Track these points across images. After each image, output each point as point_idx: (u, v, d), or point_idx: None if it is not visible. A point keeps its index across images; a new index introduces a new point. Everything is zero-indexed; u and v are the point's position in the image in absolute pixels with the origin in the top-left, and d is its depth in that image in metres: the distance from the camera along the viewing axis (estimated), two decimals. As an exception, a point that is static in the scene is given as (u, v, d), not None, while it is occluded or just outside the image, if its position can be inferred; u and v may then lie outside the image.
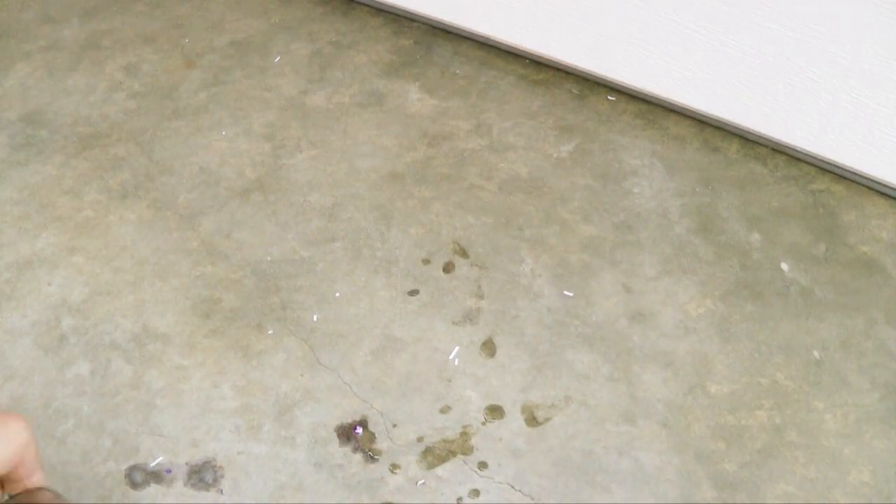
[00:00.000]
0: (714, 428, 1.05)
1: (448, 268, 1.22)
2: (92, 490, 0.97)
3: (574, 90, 1.51)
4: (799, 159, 1.39)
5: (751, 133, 1.40)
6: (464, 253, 1.24)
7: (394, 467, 1.00)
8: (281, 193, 1.31)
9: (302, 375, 1.09)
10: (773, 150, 1.40)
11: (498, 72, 1.53)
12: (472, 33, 1.57)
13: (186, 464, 1.00)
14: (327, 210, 1.29)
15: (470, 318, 1.16)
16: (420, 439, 1.03)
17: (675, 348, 1.13)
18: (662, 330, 1.15)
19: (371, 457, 1.01)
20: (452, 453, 1.02)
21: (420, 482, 0.99)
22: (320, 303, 1.17)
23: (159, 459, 1.00)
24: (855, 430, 1.05)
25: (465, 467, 1.01)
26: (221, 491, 0.97)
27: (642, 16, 1.34)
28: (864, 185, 1.35)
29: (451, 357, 1.11)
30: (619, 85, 1.48)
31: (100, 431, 1.02)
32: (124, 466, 0.99)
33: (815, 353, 1.13)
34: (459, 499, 0.98)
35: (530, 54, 1.54)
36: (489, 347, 1.13)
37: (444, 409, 1.06)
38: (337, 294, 1.18)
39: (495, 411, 1.06)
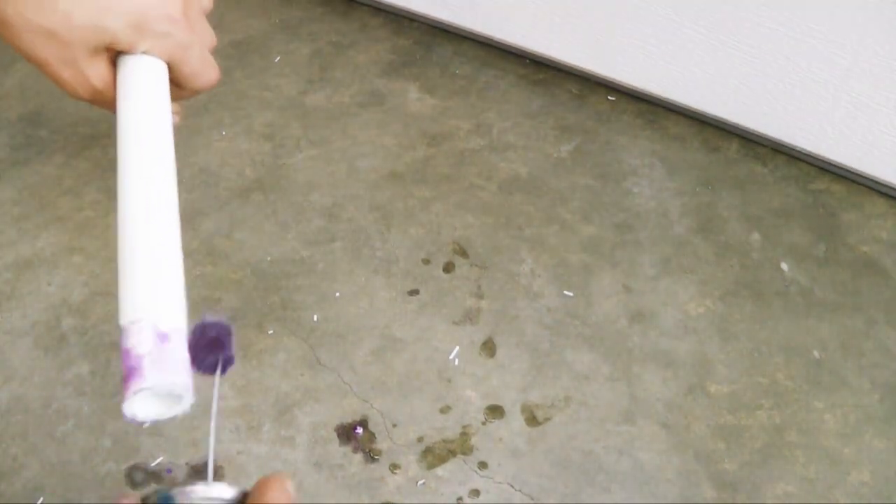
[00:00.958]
0: (714, 428, 1.05)
1: (448, 268, 1.22)
2: (92, 490, 0.97)
3: (574, 90, 1.51)
4: (799, 159, 1.39)
5: (751, 133, 1.40)
6: (464, 253, 1.24)
7: (394, 467, 1.00)
8: (281, 193, 1.31)
9: (302, 375, 1.09)
10: (773, 150, 1.40)
11: (498, 72, 1.53)
12: (472, 33, 1.57)
13: (186, 464, 1.00)
14: (327, 210, 1.29)
15: (470, 318, 1.16)
16: (420, 439, 1.03)
17: (675, 348, 1.13)
18: (662, 330, 1.15)
19: (371, 457, 1.01)
20: (452, 453, 1.02)
21: (420, 482, 0.99)
22: (320, 303, 1.17)
23: (159, 459, 1.00)
24: (855, 430, 1.05)
25: (465, 467, 1.01)
26: (221, 491, 0.97)
27: (642, 16, 1.34)
28: (864, 185, 1.35)
29: (451, 357, 1.11)
30: (619, 85, 1.48)
31: (100, 431, 1.02)
32: (124, 466, 0.99)
33: (815, 353, 1.13)
34: (459, 499, 0.98)
35: (530, 54, 1.54)
36: (489, 347, 1.13)
37: (444, 409, 1.06)
38: (337, 294, 1.18)
39: (495, 411, 1.06)
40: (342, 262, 1.22)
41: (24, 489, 0.97)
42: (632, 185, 1.34)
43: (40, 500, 0.96)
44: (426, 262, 1.22)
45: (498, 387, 1.08)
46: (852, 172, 1.34)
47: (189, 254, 1.22)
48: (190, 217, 1.27)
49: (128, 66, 0.46)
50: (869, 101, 1.23)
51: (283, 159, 1.36)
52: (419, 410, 1.05)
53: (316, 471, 1.00)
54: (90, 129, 1.40)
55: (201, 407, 1.10)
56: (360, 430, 1.03)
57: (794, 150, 1.38)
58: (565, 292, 1.19)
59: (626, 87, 1.48)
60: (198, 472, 0.99)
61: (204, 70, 0.48)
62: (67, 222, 1.25)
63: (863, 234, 1.28)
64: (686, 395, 1.08)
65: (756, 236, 1.27)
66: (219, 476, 0.98)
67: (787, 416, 1.06)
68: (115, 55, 0.46)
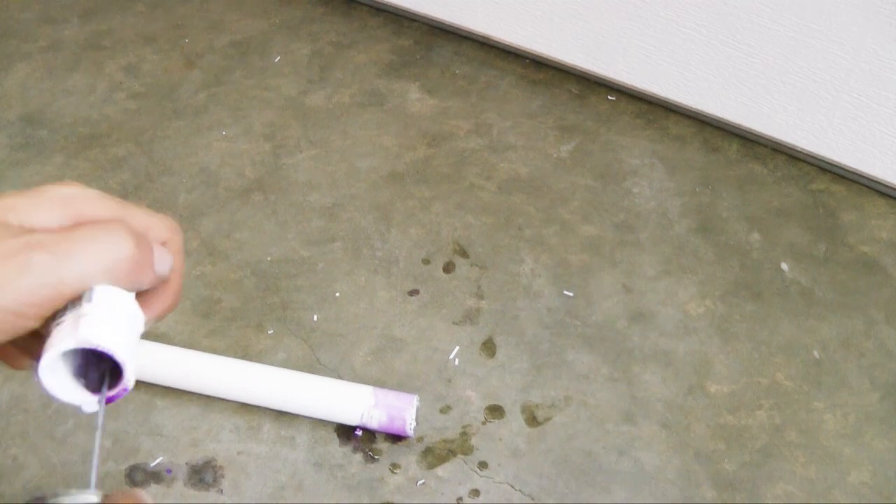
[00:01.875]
0: (714, 428, 1.05)
1: (448, 268, 1.22)
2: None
3: (574, 90, 1.51)
4: (799, 159, 1.39)
5: (751, 133, 1.40)
6: (464, 253, 1.24)
7: (394, 467, 1.00)
8: (281, 193, 1.31)
9: (302, 375, 1.09)
10: (773, 150, 1.40)
11: (498, 72, 1.53)
12: (472, 33, 1.57)
13: (186, 464, 1.00)
14: (327, 210, 1.29)
15: (470, 318, 1.16)
16: (420, 439, 1.03)
17: (675, 348, 1.13)
18: (662, 330, 1.15)
19: (371, 457, 1.01)
20: (452, 453, 1.02)
21: (420, 482, 0.99)
22: (320, 303, 1.17)
23: (159, 459, 1.00)
24: (855, 430, 1.05)
25: (465, 467, 1.01)
26: (221, 491, 0.97)
27: (642, 16, 1.34)
28: (864, 185, 1.35)
29: (451, 357, 1.11)
30: (619, 85, 1.48)
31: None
32: (124, 466, 0.99)
33: (815, 353, 1.13)
34: (459, 499, 0.98)
35: (530, 54, 1.54)
36: (489, 347, 1.13)
37: (444, 409, 1.06)
38: (337, 294, 1.18)
39: (495, 411, 1.06)
40: (342, 262, 1.22)
41: (24, 489, 0.97)
42: (632, 185, 1.34)
43: (40, 500, 0.96)
44: (426, 262, 1.23)
45: (498, 387, 1.08)
46: (852, 172, 1.34)
47: (189, 254, 1.22)
48: (190, 217, 1.27)
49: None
50: (869, 101, 1.23)
51: (283, 159, 1.36)
52: (419, 410, 1.05)
53: (316, 471, 1.00)
54: (90, 129, 1.40)
55: (201, 407, 1.10)
56: (359, 431, 1.03)
57: (794, 150, 1.38)
58: (565, 292, 1.19)
59: (626, 87, 1.48)
60: (197, 472, 0.99)
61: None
62: (67, 222, 1.25)
63: (863, 234, 1.28)
64: (686, 395, 1.08)
65: (756, 236, 1.27)
66: (219, 476, 0.98)
67: (787, 416, 1.06)
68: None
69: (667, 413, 1.06)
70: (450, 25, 1.58)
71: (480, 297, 1.18)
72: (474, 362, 1.11)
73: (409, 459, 1.01)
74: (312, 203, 1.30)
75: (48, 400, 1.05)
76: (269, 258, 1.22)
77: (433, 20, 1.60)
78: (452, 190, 1.32)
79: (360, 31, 1.61)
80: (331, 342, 1.12)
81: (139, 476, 0.98)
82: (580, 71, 1.50)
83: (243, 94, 1.47)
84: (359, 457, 1.01)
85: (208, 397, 1.05)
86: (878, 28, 1.16)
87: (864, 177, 1.34)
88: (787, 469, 1.01)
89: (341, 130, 1.42)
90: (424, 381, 1.09)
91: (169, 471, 0.99)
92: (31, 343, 0.42)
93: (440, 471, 1.00)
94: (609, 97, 1.49)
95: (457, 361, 1.11)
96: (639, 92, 1.47)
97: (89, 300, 0.40)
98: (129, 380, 0.42)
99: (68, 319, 0.40)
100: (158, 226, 0.43)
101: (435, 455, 1.02)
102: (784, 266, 1.23)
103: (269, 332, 1.13)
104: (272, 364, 1.09)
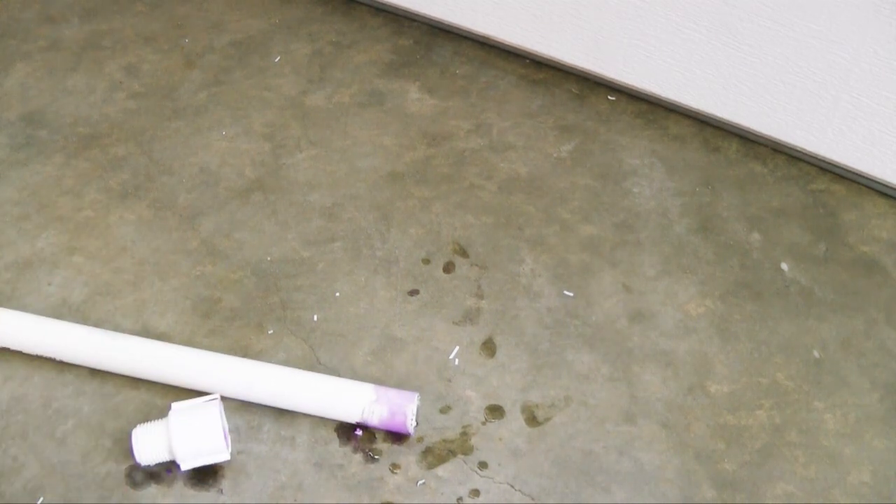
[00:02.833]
0: (714, 428, 1.05)
1: (448, 268, 1.22)
2: (92, 490, 0.97)
3: (574, 90, 1.51)
4: (799, 159, 1.39)
5: (751, 133, 1.40)
6: (464, 253, 1.24)
7: (394, 467, 1.00)
8: (281, 193, 1.31)
9: (302, 375, 1.09)
10: (773, 149, 1.40)
11: (498, 72, 1.53)
12: (472, 33, 1.57)
13: (186, 464, 1.00)
14: (327, 210, 1.29)
15: (470, 318, 1.16)
16: (420, 439, 1.03)
17: (675, 348, 1.13)
18: (662, 330, 1.15)
19: (371, 457, 1.01)
20: (452, 453, 1.02)
21: (420, 482, 0.99)
22: (320, 303, 1.17)
23: (159, 459, 1.00)
24: (855, 430, 1.05)
25: (465, 467, 1.01)
26: (221, 491, 0.97)
27: (642, 16, 1.34)
28: (864, 185, 1.35)
29: (451, 357, 1.11)
30: (619, 85, 1.48)
31: (100, 431, 1.02)
32: (124, 466, 0.99)
33: (815, 353, 1.13)
34: (459, 499, 0.98)
35: (530, 54, 1.54)
36: (489, 347, 1.13)
37: (444, 409, 1.06)
38: (337, 294, 1.18)
39: (495, 411, 1.06)
40: (342, 262, 1.22)
41: (24, 489, 0.97)
42: (632, 185, 1.34)
43: (40, 500, 0.96)
44: (426, 262, 1.22)
45: (498, 387, 1.08)
46: (852, 172, 1.34)
47: (189, 254, 1.22)
48: (190, 217, 1.27)
49: None
50: (869, 101, 1.23)
51: (283, 159, 1.36)
52: (419, 410, 1.05)
53: (316, 471, 1.00)
54: (90, 129, 1.40)
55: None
56: (359, 431, 1.03)
57: (794, 150, 1.38)
58: (565, 292, 1.19)
59: (626, 87, 1.48)
60: (197, 472, 0.99)
61: None
62: (67, 222, 1.25)
63: (863, 234, 1.28)
64: (686, 395, 1.08)
65: (756, 236, 1.27)
66: (219, 476, 0.98)
67: (787, 416, 1.06)
68: None
69: (667, 413, 1.06)
70: (450, 25, 1.58)
71: (480, 297, 1.18)
72: (474, 362, 1.11)
73: (409, 459, 1.01)
74: (312, 203, 1.30)
75: (48, 400, 1.05)
76: (269, 258, 1.22)
77: (433, 20, 1.60)
78: (452, 190, 1.32)
79: (360, 31, 1.61)
80: (331, 342, 1.12)
81: (139, 476, 0.98)
82: (580, 71, 1.50)
83: (243, 94, 1.47)
84: (359, 457, 1.01)
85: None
86: (878, 28, 1.16)
87: (864, 177, 1.34)
88: (787, 469, 1.01)
89: (341, 130, 1.42)
90: (424, 380, 1.09)
91: (169, 471, 0.99)
92: None
93: (440, 471, 1.00)
94: (609, 97, 1.49)
95: (457, 361, 1.11)
96: (639, 92, 1.47)
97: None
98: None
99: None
100: None
101: (435, 455, 1.02)
102: (784, 266, 1.23)
103: (269, 332, 1.13)
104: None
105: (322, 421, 1.04)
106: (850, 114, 1.26)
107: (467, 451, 1.02)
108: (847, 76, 1.22)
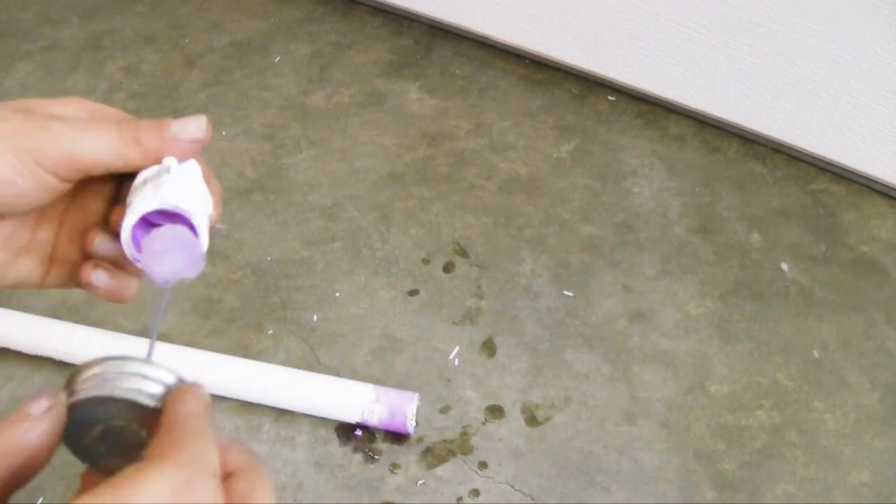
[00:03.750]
0: (714, 428, 1.05)
1: (448, 268, 1.22)
2: (92, 490, 0.97)
3: (574, 90, 1.51)
4: (799, 159, 1.39)
5: (750, 133, 1.40)
6: (464, 253, 1.24)
7: (394, 467, 1.00)
8: (281, 193, 1.31)
9: (302, 375, 1.09)
10: (773, 149, 1.40)
11: (498, 72, 1.53)
12: (472, 33, 1.57)
13: (186, 464, 1.00)
14: (327, 210, 1.29)
15: (470, 318, 1.16)
16: (420, 439, 1.03)
17: (675, 348, 1.13)
18: (662, 330, 1.15)
19: (371, 457, 1.01)
20: (452, 453, 1.02)
21: (420, 482, 0.99)
22: (320, 303, 1.17)
23: (159, 459, 1.00)
24: (855, 430, 1.05)
25: (465, 467, 1.01)
26: (221, 491, 0.97)
27: (642, 16, 1.34)
28: (864, 185, 1.35)
29: (451, 357, 1.11)
30: (619, 85, 1.48)
31: (100, 431, 1.02)
32: (124, 466, 0.99)
33: (815, 353, 1.13)
34: (459, 499, 0.98)
35: (530, 54, 1.54)
36: (489, 347, 1.13)
37: (444, 409, 1.06)
38: (337, 294, 1.18)
39: (495, 411, 1.06)
40: (342, 262, 1.22)
41: (25, 489, 0.97)
42: (632, 185, 1.34)
43: (40, 500, 0.96)
44: (426, 262, 1.23)
45: (498, 387, 1.08)
46: (852, 172, 1.34)
47: (189, 254, 1.22)
48: (190, 217, 1.27)
49: None
50: (869, 101, 1.23)
51: (283, 159, 1.36)
52: (419, 410, 1.05)
53: (316, 471, 1.00)
54: (90, 129, 1.40)
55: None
56: (359, 431, 1.03)
57: (793, 150, 1.38)
58: (565, 292, 1.19)
59: (626, 87, 1.48)
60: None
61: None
62: (67, 222, 1.25)
63: (863, 234, 1.28)
64: (686, 395, 1.08)
65: (756, 236, 1.27)
66: (219, 476, 0.98)
67: (787, 416, 1.06)
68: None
69: (667, 413, 1.06)
70: (450, 25, 1.58)
71: (480, 297, 1.18)
72: (474, 362, 1.11)
73: (409, 459, 1.01)
74: (312, 203, 1.30)
75: (48, 400, 1.05)
76: (269, 258, 1.22)
77: (433, 20, 1.60)
78: (452, 190, 1.32)
79: (360, 31, 1.61)
80: (331, 342, 1.12)
81: (139, 476, 0.98)
82: (580, 71, 1.50)
83: (243, 94, 1.47)
84: (359, 457, 1.01)
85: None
86: (878, 28, 1.16)
87: (863, 177, 1.34)
88: (787, 469, 1.01)
89: (341, 130, 1.42)
90: (424, 381, 1.09)
91: (169, 471, 0.99)
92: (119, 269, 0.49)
93: (440, 471, 1.00)
94: (609, 97, 1.49)
95: (457, 361, 1.11)
96: (639, 92, 1.47)
97: (167, 171, 0.44)
98: (203, 244, 0.47)
99: (149, 188, 0.44)
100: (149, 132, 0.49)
101: (435, 455, 1.02)
102: (784, 266, 1.23)
103: (269, 332, 1.13)
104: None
105: (322, 421, 1.04)
106: (850, 114, 1.26)
107: (467, 451, 1.02)
108: (847, 76, 1.22)
